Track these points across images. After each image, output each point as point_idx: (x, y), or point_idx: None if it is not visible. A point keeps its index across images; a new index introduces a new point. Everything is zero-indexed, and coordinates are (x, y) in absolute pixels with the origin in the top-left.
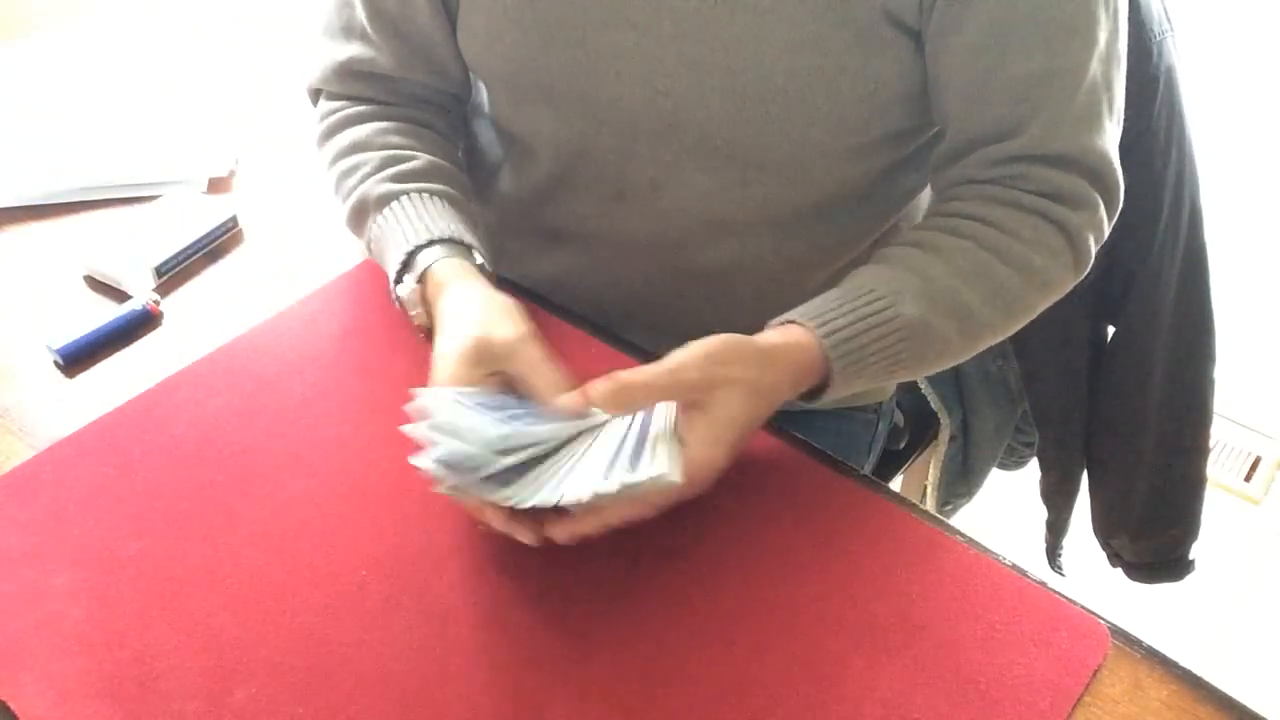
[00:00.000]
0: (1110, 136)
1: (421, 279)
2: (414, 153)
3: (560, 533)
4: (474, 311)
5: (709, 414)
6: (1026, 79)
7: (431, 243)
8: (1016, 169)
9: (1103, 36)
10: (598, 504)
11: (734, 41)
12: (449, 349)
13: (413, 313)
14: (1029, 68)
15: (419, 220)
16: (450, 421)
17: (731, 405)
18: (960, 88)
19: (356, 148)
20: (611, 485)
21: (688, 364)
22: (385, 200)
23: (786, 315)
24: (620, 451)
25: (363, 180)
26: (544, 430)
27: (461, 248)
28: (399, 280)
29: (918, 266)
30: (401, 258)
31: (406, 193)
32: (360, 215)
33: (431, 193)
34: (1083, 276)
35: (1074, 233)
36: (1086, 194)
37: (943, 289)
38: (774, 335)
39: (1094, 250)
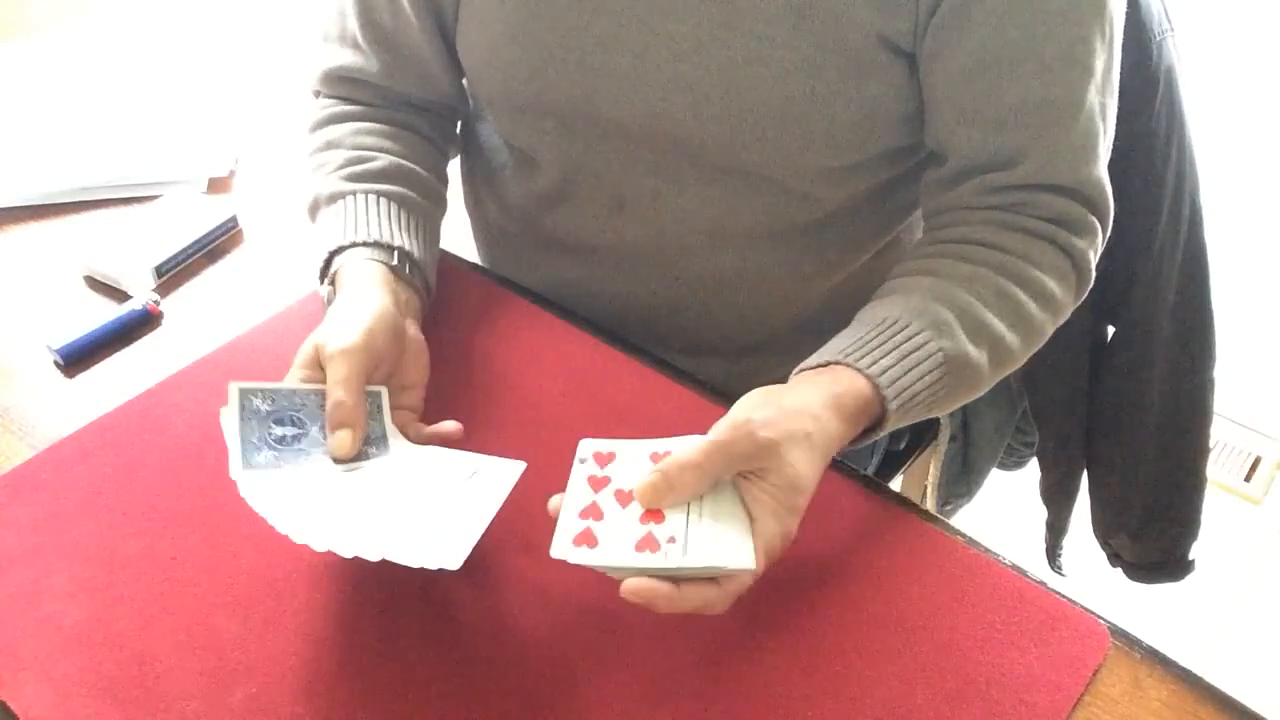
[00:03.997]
0: (1104, 163)
1: (332, 280)
2: (378, 153)
3: (632, 589)
4: (335, 314)
5: (773, 482)
6: (1023, 107)
7: (354, 245)
8: (1017, 196)
9: (1099, 65)
10: (674, 576)
11: (730, 66)
12: (300, 347)
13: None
14: (1025, 95)
15: (349, 222)
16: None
17: (796, 467)
18: (954, 111)
19: (329, 146)
20: (670, 562)
21: (737, 436)
22: (332, 199)
23: (822, 355)
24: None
25: (324, 178)
26: (309, 458)
27: (383, 250)
28: (321, 280)
29: (944, 296)
30: (324, 257)
31: (354, 193)
32: (313, 211)
33: (380, 194)
34: (1080, 302)
35: (1078, 258)
36: (1086, 220)
37: (973, 319)
38: (822, 380)
39: (1093, 275)
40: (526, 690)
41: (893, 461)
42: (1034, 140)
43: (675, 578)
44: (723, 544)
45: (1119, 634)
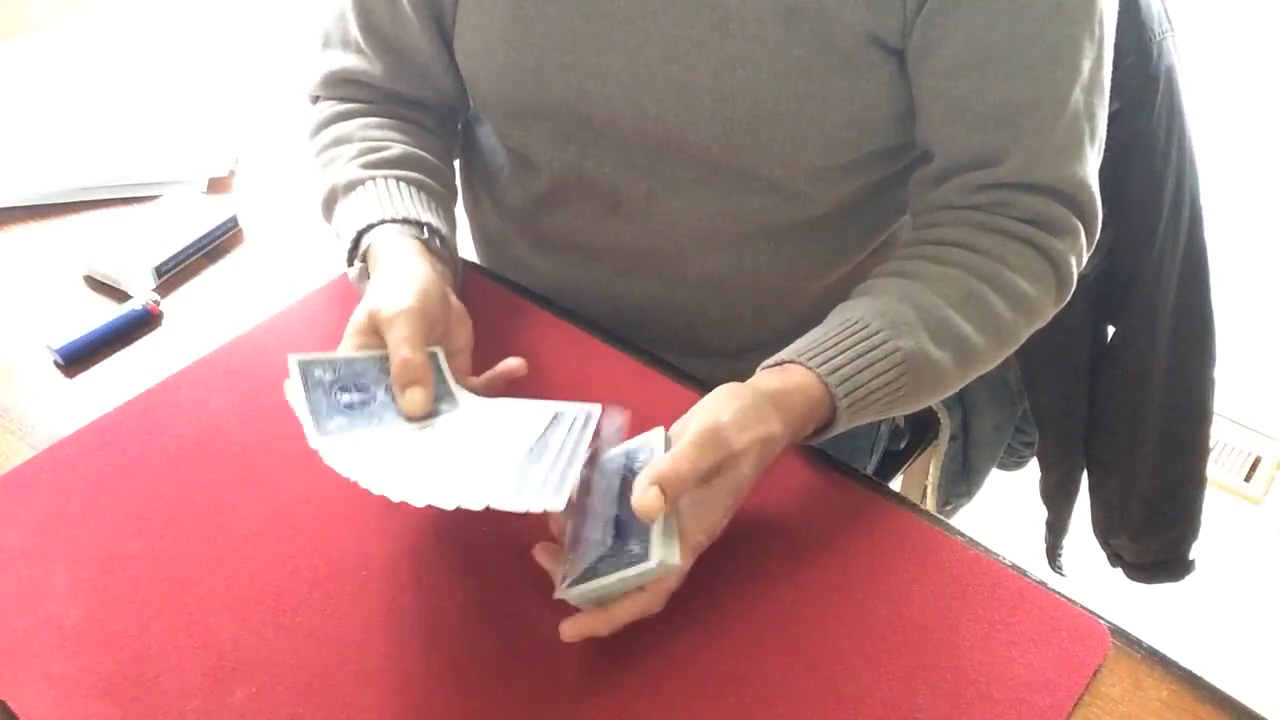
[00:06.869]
0: (1091, 165)
1: (364, 258)
2: (390, 143)
3: (570, 629)
4: (383, 282)
5: (720, 485)
6: (1006, 104)
7: (383, 222)
8: (999, 195)
9: (1086, 65)
10: (603, 599)
11: (722, 67)
12: (351, 317)
13: (359, 292)
14: (1009, 93)
15: (376, 202)
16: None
17: (745, 472)
18: (941, 109)
19: (338, 141)
20: (606, 581)
21: (716, 442)
22: (351, 186)
23: (780, 355)
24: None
25: (339, 169)
26: (382, 421)
27: (414, 226)
28: (350, 261)
29: (910, 296)
30: (353, 236)
31: (374, 178)
32: (330, 203)
33: (400, 179)
34: (1063, 304)
35: (1058, 260)
36: (1068, 221)
37: (937, 319)
38: (775, 379)
39: (1076, 277)
40: (527, 690)
41: (893, 461)
42: (1017, 138)
43: (601, 600)
44: (654, 550)
45: (1119, 634)
